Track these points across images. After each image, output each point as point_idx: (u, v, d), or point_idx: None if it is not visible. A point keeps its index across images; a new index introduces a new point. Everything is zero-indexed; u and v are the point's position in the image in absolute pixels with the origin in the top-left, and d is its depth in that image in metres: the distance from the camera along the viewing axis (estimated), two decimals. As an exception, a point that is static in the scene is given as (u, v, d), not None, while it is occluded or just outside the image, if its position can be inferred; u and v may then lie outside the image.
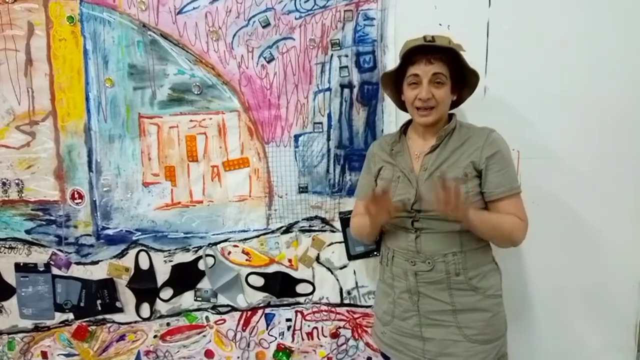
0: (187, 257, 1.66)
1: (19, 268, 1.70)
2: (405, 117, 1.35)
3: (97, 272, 1.68)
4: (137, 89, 1.59)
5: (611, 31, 1.41)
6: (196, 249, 1.65)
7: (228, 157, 1.61)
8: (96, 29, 1.57)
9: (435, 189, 1.10)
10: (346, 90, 1.54)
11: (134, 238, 1.65)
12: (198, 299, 1.68)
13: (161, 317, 1.70)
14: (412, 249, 1.22)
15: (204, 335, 1.70)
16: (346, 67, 1.53)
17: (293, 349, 1.68)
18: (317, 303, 1.65)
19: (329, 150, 1.57)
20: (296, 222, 1.62)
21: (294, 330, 1.66)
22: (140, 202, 1.64)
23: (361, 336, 1.65)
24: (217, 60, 1.56)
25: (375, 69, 1.52)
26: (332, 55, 1.52)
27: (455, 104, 1.29)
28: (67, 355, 1.75)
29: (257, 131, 1.59)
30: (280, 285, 1.64)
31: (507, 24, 1.45)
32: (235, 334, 1.69)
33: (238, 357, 1.69)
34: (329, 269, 1.63)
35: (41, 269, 1.69)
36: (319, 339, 1.66)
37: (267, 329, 1.67)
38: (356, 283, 1.62)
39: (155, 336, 1.71)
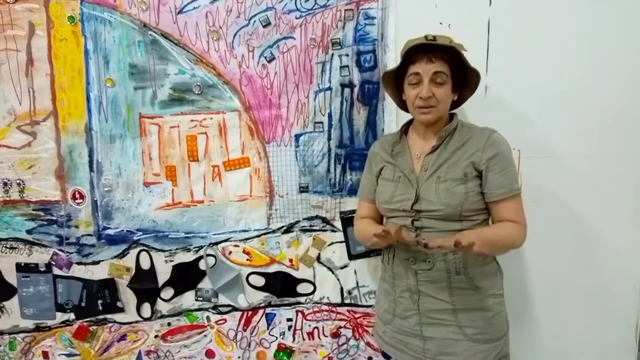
0: (188, 257, 1.66)
1: (20, 268, 1.70)
2: (406, 116, 1.35)
3: (98, 272, 1.68)
4: (138, 89, 1.59)
5: (611, 31, 1.41)
6: (197, 248, 1.65)
7: (229, 157, 1.61)
8: (97, 28, 1.57)
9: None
10: (347, 90, 1.54)
11: (135, 238, 1.66)
12: (199, 298, 1.68)
13: (162, 317, 1.70)
14: (412, 247, 1.22)
15: (205, 335, 1.70)
16: (347, 66, 1.53)
17: (294, 348, 1.68)
18: (317, 303, 1.65)
19: (329, 149, 1.57)
20: (297, 222, 1.62)
21: (295, 330, 1.67)
22: (141, 202, 1.64)
23: (362, 336, 1.65)
24: (217, 59, 1.56)
25: (375, 68, 1.52)
26: (332, 55, 1.53)
27: (456, 104, 1.29)
28: (68, 355, 1.75)
29: (257, 131, 1.59)
30: (281, 285, 1.64)
31: (507, 23, 1.44)
32: (236, 334, 1.69)
33: (239, 357, 1.69)
34: (329, 268, 1.63)
35: (42, 269, 1.69)
36: (319, 338, 1.66)
37: (267, 329, 1.68)
38: (357, 283, 1.63)
39: (156, 336, 1.71)
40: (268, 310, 1.67)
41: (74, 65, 1.59)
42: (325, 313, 1.65)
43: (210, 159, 1.62)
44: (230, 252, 1.65)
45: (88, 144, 1.62)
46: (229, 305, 1.67)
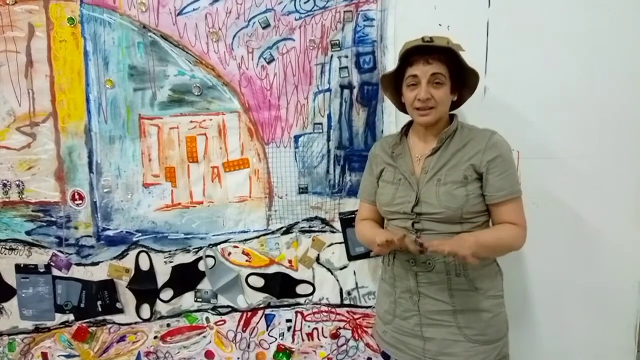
0: (188, 258, 1.66)
1: (20, 269, 1.70)
2: (405, 117, 1.35)
3: (98, 273, 1.68)
4: (138, 90, 1.59)
5: (611, 31, 1.41)
6: (196, 249, 1.65)
7: (228, 158, 1.61)
8: (96, 30, 1.57)
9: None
10: (346, 91, 1.54)
11: (134, 239, 1.66)
12: (198, 299, 1.68)
13: (161, 318, 1.70)
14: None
15: (204, 336, 1.70)
16: (346, 67, 1.53)
17: (293, 349, 1.67)
18: (317, 304, 1.65)
19: (329, 150, 1.57)
20: (296, 223, 1.62)
21: (294, 331, 1.66)
22: (141, 203, 1.64)
23: (361, 337, 1.65)
24: (217, 61, 1.57)
25: (375, 69, 1.52)
26: (332, 56, 1.53)
27: (456, 105, 1.29)
28: (67, 357, 1.74)
29: (257, 132, 1.59)
30: (280, 286, 1.64)
31: (506, 24, 1.45)
32: (236, 335, 1.68)
33: (238, 358, 1.69)
34: (329, 269, 1.63)
35: (41, 270, 1.69)
36: (319, 339, 1.66)
37: (267, 330, 1.67)
38: (356, 284, 1.62)
39: (155, 337, 1.71)
40: (267, 311, 1.67)
41: (74, 66, 1.59)
42: (325, 314, 1.64)
43: (210, 160, 1.62)
44: (229, 253, 1.65)
45: (87, 145, 1.62)
46: (228, 306, 1.67)
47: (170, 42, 1.56)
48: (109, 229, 1.66)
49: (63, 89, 1.61)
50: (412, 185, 1.23)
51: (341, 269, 1.62)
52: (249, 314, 1.67)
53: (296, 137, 1.58)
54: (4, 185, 1.67)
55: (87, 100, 1.61)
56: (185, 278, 1.67)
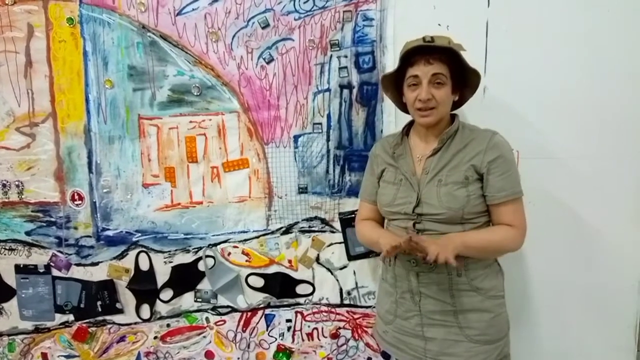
0: (187, 258, 1.66)
1: (19, 269, 1.70)
2: (404, 117, 1.35)
3: (97, 274, 1.68)
4: (137, 90, 1.59)
5: (610, 31, 1.40)
6: (196, 250, 1.65)
7: (228, 158, 1.61)
8: (96, 30, 1.57)
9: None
10: (345, 91, 1.54)
11: (134, 239, 1.65)
12: (198, 300, 1.68)
13: (161, 318, 1.70)
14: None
15: (204, 336, 1.70)
16: (345, 67, 1.53)
17: (293, 349, 1.67)
18: (317, 304, 1.65)
19: (328, 150, 1.57)
20: (296, 223, 1.62)
21: (294, 331, 1.66)
22: (140, 203, 1.64)
23: (361, 337, 1.65)
24: (216, 61, 1.56)
25: (374, 69, 1.52)
26: (331, 56, 1.53)
27: (457, 105, 1.28)
28: (67, 357, 1.75)
29: (256, 132, 1.59)
30: (280, 286, 1.64)
31: (506, 24, 1.44)
32: (236, 335, 1.69)
33: (238, 358, 1.69)
34: (328, 269, 1.63)
35: (41, 271, 1.69)
36: (319, 339, 1.66)
37: (267, 330, 1.67)
38: (356, 283, 1.62)
39: (155, 337, 1.71)
40: (267, 311, 1.67)
41: (73, 66, 1.59)
42: (325, 314, 1.64)
43: (209, 160, 1.62)
44: (229, 253, 1.65)
45: (87, 146, 1.62)
46: (228, 306, 1.67)
47: (170, 42, 1.56)
48: (108, 229, 1.66)
49: (62, 89, 1.61)
50: (413, 186, 1.22)
51: (341, 268, 1.62)
52: (249, 314, 1.67)
53: (296, 137, 1.58)
54: (4, 185, 1.67)
55: (87, 100, 1.60)
56: (185, 278, 1.67)
